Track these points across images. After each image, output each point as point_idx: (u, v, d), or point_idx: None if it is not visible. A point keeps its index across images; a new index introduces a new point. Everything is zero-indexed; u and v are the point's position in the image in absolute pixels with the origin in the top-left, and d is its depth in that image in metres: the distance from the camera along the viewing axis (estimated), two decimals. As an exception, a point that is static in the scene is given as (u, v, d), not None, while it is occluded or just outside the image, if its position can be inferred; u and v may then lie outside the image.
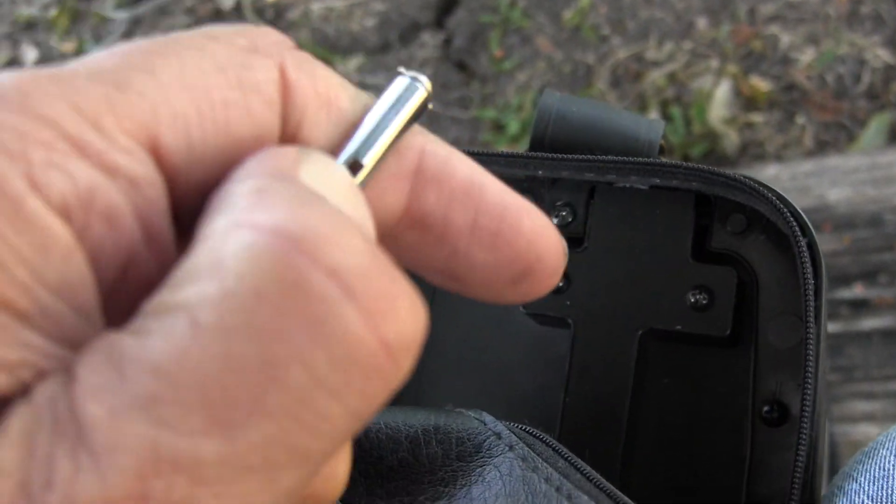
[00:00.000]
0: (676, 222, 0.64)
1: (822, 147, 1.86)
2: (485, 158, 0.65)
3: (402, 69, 0.33)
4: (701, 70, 1.98)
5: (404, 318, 0.24)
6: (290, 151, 0.27)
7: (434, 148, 0.32)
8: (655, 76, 1.99)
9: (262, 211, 0.24)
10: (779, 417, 0.61)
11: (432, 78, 2.05)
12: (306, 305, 0.22)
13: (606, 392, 0.64)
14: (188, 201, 0.27)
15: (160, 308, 0.23)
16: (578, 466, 0.49)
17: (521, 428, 0.52)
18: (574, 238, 0.66)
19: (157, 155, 0.26)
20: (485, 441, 0.50)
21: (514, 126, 1.97)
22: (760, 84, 1.94)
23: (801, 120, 1.90)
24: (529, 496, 0.47)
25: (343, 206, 0.26)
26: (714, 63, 1.98)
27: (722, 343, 0.63)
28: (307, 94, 0.30)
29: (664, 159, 0.62)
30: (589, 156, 0.63)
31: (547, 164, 0.64)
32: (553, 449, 0.50)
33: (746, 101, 1.94)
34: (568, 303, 0.65)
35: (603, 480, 0.48)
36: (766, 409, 0.61)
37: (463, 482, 0.49)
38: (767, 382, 0.62)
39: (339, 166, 0.28)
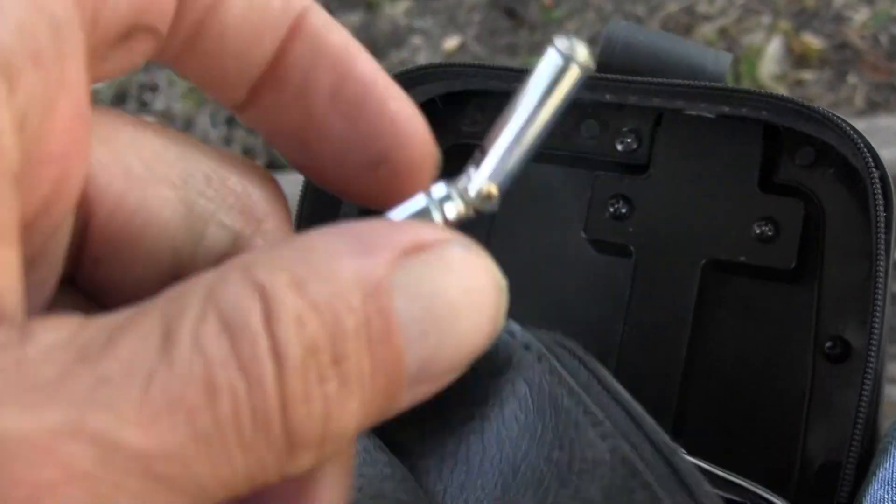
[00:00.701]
0: (743, 152, 0.63)
1: (872, 107, 1.84)
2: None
3: (556, 41, 0.28)
4: (752, 25, 1.95)
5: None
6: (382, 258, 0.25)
7: (317, 9, 0.30)
8: (706, 30, 1.96)
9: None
10: (841, 354, 0.60)
11: (481, 24, 2.03)
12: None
13: (666, 322, 0.63)
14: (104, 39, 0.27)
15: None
16: (599, 375, 0.47)
17: (548, 336, 0.50)
18: (638, 165, 0.65)
19: None
20: (514, 354, 0.49)
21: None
22: (812, 41, 1.92)
23: (852, 79, 1.88)
24: (552, 411, 0.45)
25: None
26: (766, 19, 1.96)
27: (785, 277, 0.62)
28: None
29: (737, 86, 0.61)
30: (659, 79, 0.61)
31: (615, 88, 0.62)
32: (578, 358, 0.48)
33: (797, 59, 1.91)
34: (630, 230, 0.64)
35: (622, 392, 0.46)
36: (828, 345, 0.60)
37: (494, 401, 0.48)
38: (830, 318, 0.60)
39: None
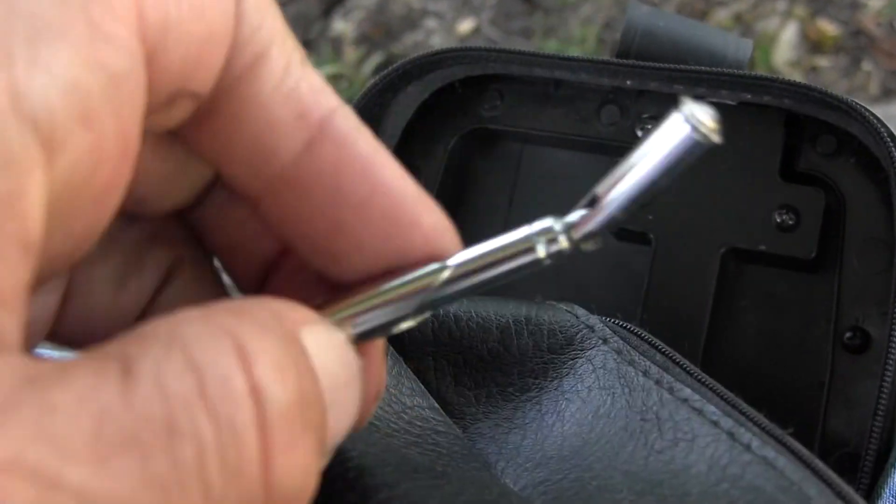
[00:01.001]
0: (765, 140, 0.62)
1: (887, 94, 1.83)
2: (573, 64, 0.63)
3: (683, 105, 0.28)
4: (767, 11, 1.95)
5: None
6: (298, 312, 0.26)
7: (345, 113, 0.30)
8: (721, 16, 1.96)
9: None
10: (861, 344, 0.59)
11: (496, 7, 2.03)
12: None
13: (685, 310, 0.62)
14: (160, 90, 0.26)
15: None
16: (677, 360, 0.47)
17: (614, 322, 0.50)
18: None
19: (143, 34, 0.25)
20: (577, 334, 0.49)
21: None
22: (827, 28, 1.91)
23: (867, 66, 1.87)
24: (626, 389, 0.45)
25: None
26: (781, 4, 1.95)
27: (804, 266, 0.61)
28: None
29: (759, 73, 0.60)
30: (681, 66, 0.61)
31: (636, 74, 0.62)
32: (649, 343, 0.49)
33: (812, 45, 1.90)
34: (650, 217, 0.63)
35: (704, 375, 0.46)
36: (847, 335, 0.60)
37: (554, 374, 0.48)
38: (850, 309, 0.60)
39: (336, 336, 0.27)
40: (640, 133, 0.65)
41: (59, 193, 0.23)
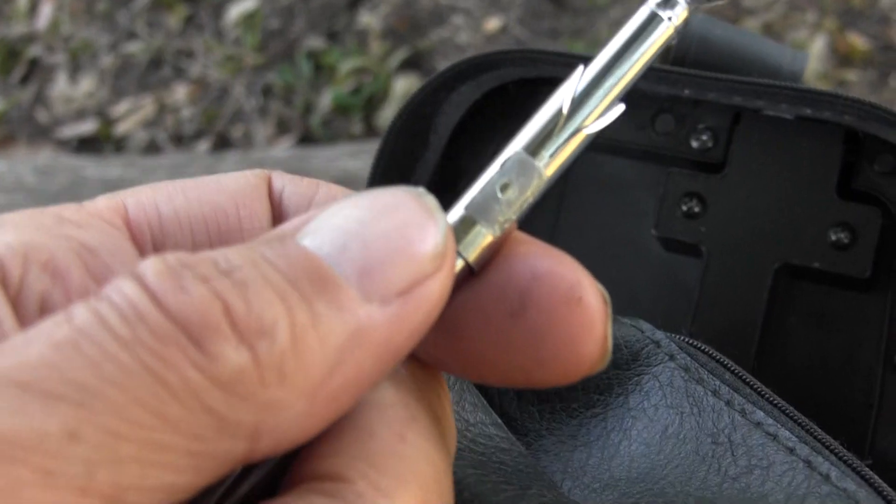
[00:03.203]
0: (822, 156, 0.61)
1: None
2: (631, 72, 0.62)
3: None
4: (797, 22, 1.94)
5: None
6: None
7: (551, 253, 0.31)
8: (751, 25, 1.94)
9: None
10: (912, 367, 0.59)
11: (524, 6, 2.02)
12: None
13: (735, 325, 0.61)
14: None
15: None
16: (747, 380, 0.46)
17: (680, 338, 0.49)
18: (714, 164, 0.64)
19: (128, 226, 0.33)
20: (643, 349, 0.48)
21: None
22: (857, 41, 1.90)
23: (894, 82, 1.86)
24: (695, 409, 0.45)
25: None
26: (811, 16, 1.94)
27: (858, 286, 0.61)
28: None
29: (822, 88, 0.59)
30: (742, 77, 0.60)
31: (696, 83, 0.61)
32: (717, 361, 0.48)
33: (841, 58, 1.89)
34: (703, 229, 0.63)
35: (775, 396, 0.45)
36: (898, 357, 0.59)
37: (619, 391, 0.47)
38: (902, 330, 0.59)
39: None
40: (694, 144, 0.64)
41: None
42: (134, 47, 2.17)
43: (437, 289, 0.28)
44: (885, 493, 0.39)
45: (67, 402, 0.23)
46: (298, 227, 0.28)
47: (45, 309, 0.30)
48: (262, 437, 0.26)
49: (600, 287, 0.31)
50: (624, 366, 0.48)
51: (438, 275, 0.28)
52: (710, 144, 0.64)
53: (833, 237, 0.60)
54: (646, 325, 0.49)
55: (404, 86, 1.97)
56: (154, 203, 0.34)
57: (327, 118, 1.97)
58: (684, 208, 0.63)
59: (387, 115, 1.93)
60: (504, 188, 0.31)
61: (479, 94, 0.68)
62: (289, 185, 0.35)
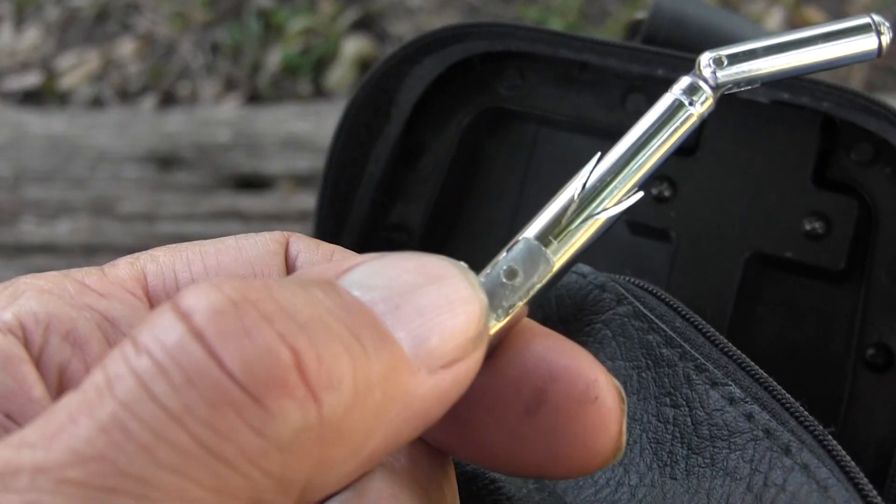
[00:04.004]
0: (798, 143, 0.59)
1: (870, 89, 1.81)
2: (603, 48, 0.60)
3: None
4: (754, -6, 1.92)
5: None
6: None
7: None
8: (707, -4, 1.93)
9: None
10: (884, 363, 0.57)
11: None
12: None
13: (702, 313, 0.59)
14: None
15: None
16: (700, 327, 0.44)
17: (625, 279, 0.46)
18: (685, 147, 0.62)
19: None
20: (588, 296, 0.45)
21: (556, 27, 1.91)
22: (815, 16, 1.89)
23: (850, 58, 1.85)
24: (650, 363, 0.42)
25: None
26: (768, -11, 1.92)
27: (830, 277, 0.59)
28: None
29: (801, 73, 0.57)
30: (719, 59, 0.58)
31: (670, 63, 0.59)
32: (667, 304, 0.45)
33: (797, 33, 1.88)
34: (672, 214, 0.61)
35: (729, 345, 0.43)
36: (870, 352, 0.57)
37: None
38: (875, 325, 0.58)
39: None
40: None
41: None
42: (80, 0, 2.12)
43: (472, 367, 0.28)
44: (845, 465, 0.38)
45: (126, 496, 0.22)
46: (339, 274, 0.27)
47: (64, 378, 0.31)
48: (308, 493, 0.25)
49: (616, 383, 0.31)
50: (571, 318, 0.45)
51: (475, 354, 0.28)
52: (682, 126, 0.62)
53: (807, 227, 0.58)
54: (586, 268, 0.47)
55: (354, 47, 1.93)
56: (172, 271, 0.34)
57: (275, 78, 1.93)
58: (654, 192, 0.61)
59: (335, 77, 1.90)
60: (510, 274, 0.31)
61: (443, 68, 0.65)
62: (304, 251, 0.35)
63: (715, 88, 0.36)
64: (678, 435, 0.41)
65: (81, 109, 1.92)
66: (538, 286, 0.31)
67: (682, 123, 0.34)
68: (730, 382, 0.40)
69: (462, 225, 0.66)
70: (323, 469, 0.24)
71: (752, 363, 0.42)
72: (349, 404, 0.24)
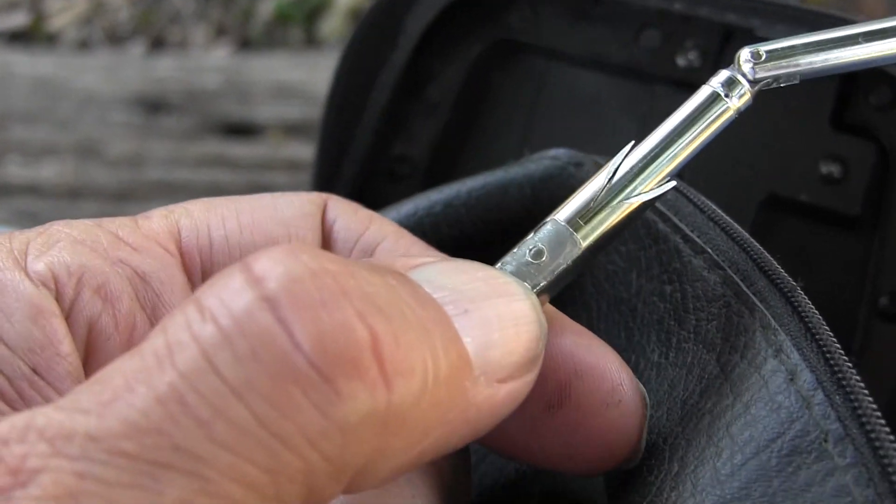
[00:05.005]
0: (817, 84, 0.58)
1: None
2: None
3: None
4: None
5: None
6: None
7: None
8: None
9: None
10: (896, 313, 0.56)
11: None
12: None
13: None
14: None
15: None
16: (689, 196, 0.42)
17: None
18: (700, 85, 0.60)
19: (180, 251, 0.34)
20: (567, 182, 0.44)
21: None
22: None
23: None
24: (650, 241, 0.41)
25: None
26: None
27: (845, 223, 0.57)
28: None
29: (825, 10, 0.56)
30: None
31: (688, -3, 0.57)
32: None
33: None
34: (687, 153, 0.59)
35: (718, 212, 0.42)
36: (883, 301, 0.56)
37: None
38: (888, 273, 0.56)
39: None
40: (681, 63, 0.60)
41: None
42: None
43: (525, 387, 0.28)
44: (808, 321, 0.37)
45: (179, 472, 0.21)
46: (409, 267, 0.27)
47: (92, 333, 0.31)
48: (355, 482, 0.24)
49: (640, 387, 0.32)
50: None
51: (529, 376, 0.28)
52: (697, 64, 0.60)
53: (824, 170, 0.57)
54: (560, 151, 0.45)
55: (348, -1, 1.91)
56: (207, 227, 0.34)
57: (268, 27, 1.91)
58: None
59: (328, 27, 1.87)
60: (536, 254, 0.31)
61: (454, -5, 0.63)
62: (341, 216, 0.35)
63: (753, 83, 0.37)
64: (671, 311, 0.40)
65: (69, 51, 1.89)
66: (563, 267, 0.31)
67: (719, 116, 0.35)
68: (707, 248, 0.39)
69: (466, 159, 0.65)
70: (379, 458, 0.24)
71: (736, 225, 0.41)
72: (417, 395, 0.23)
